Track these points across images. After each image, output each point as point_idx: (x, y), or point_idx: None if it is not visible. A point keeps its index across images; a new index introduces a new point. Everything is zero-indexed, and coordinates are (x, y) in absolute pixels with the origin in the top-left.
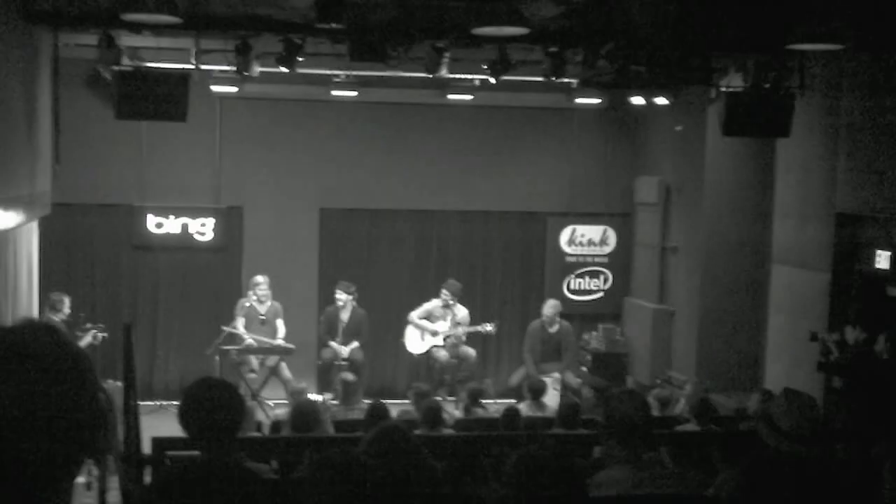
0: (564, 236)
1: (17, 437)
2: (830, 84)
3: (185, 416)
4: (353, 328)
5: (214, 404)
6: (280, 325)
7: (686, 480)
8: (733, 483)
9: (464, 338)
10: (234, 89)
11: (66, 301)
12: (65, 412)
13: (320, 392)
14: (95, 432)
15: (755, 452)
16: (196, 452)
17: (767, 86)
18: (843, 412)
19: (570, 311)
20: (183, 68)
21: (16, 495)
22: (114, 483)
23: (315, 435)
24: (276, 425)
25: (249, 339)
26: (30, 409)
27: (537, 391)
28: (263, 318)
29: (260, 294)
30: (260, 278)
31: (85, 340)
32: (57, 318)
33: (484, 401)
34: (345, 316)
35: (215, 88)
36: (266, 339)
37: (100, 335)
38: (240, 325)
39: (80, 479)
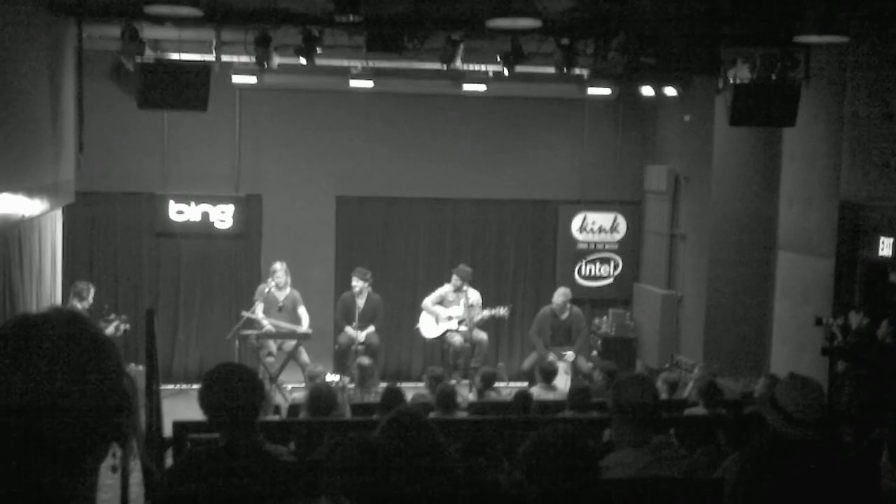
0: (576, 223)
1: (45, 421)
2: (835, 74)
3: (205, 400)
4: (369, 313)
5: (234, 388)
6: (303, 312)
7: (694, 463)
8: (740, 465)
9: (476, 318)
10: (253, 80)
11: (92, 290)
12: (91, 397)
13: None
14: (121, 416)
15: (761, 435)
16: (216, 435)
17: (774, 77)
18: (846, 396)
19: (581, 297)
20: (204, 59)
21: (45, 477)
22: (137, 465)
23: (332, 418)
24: (294, 408)
25: (268, 325)
26: (58, 394)
27: (549, 373)
28: (281, 304)
29: (277, 280)
30: (277, 265)
31: (107, 331)
32: (81, 306)
33: (497, 384)
34: (361, 302)
35: (235, 79)
36: (285, 324)
37: (122, 326)
38: (259, 311)
39: (107, 462)
